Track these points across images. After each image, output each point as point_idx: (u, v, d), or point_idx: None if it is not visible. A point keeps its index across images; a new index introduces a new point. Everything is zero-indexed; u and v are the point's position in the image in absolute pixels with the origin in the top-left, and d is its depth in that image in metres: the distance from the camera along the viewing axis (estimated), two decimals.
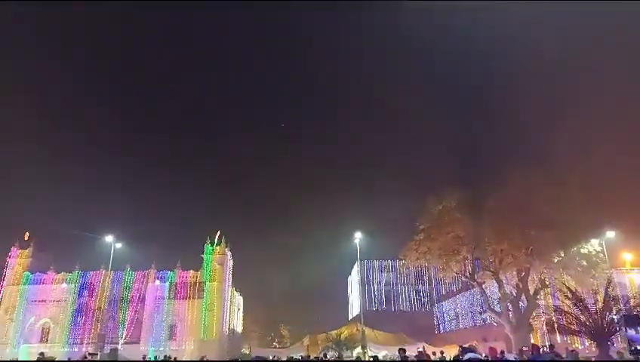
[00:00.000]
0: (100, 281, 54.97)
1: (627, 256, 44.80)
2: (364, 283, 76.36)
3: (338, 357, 35.97)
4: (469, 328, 58.40)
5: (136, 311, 53.90)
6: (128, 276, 55.30)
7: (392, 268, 79.29)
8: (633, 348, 15.55)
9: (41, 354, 29.15)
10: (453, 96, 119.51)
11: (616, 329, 19.58)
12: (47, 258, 56.47)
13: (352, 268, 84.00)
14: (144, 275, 55.46)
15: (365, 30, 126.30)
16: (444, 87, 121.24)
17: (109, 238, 47.85)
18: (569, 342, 36.32)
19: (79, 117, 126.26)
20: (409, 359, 15.37)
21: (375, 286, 78.77)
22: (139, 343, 51.86)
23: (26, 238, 56.34)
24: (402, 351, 15.07)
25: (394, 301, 78.22)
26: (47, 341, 52.85)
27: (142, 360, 30.34)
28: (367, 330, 47.69)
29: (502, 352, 22.77)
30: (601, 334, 18.95)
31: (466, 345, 28.61)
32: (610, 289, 20.84)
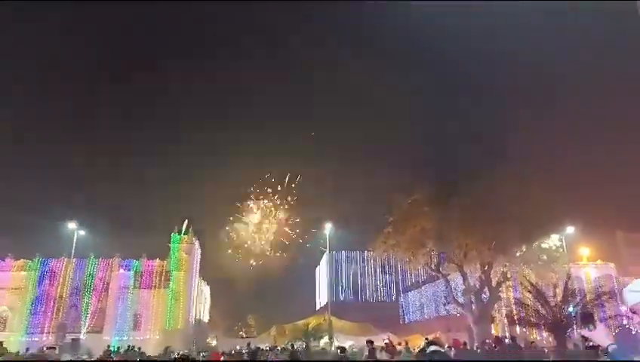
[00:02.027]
0: (61, 269, 53.41)
1: (584, 251, 46.75)
2: (333, 273, 77.05)
3: (305, 347, 36.22)
4: (433, 318, 59.84)
5: (99, 300, 52.71)
6: (92, 264, 53.90)
7: (359, 259, 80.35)
8: (589, 344, 16.11)
9: (0, 343, 28.27)
10: (427, 92, 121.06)
11: (573, 322, 20.46)
12: (5, 244, 54.49)
13: (321, 258, 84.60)
14: (108, 263, 54.17)
15: (346, 22, 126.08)
16: (418, 81, 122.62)
17: (72, 225, 46.46)
18: (527, 333, 37.76)
19: (40, 98, 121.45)
20: (376, 349, 15.65)
21: (343, 276, 79.66)
22: (102, 333, 50.83)
23: None
24: (370, 342, 15.33)
25: (361, 291, 79.37)
26: (4, 329, 51.15)
27: (106, 351, 29.68)
28: (335, 320, 48.19)
29: (464, 343, 23.52)
30: (559, 327, 19.75)
31: (431, 336, 29.35)
32: (569, 283, 21.71)
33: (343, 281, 79.45)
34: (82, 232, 47.51)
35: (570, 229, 39.03)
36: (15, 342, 45.86)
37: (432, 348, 12.77)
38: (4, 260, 53.73)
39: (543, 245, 33.39)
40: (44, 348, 30.60)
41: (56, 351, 30.03)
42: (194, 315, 57.62)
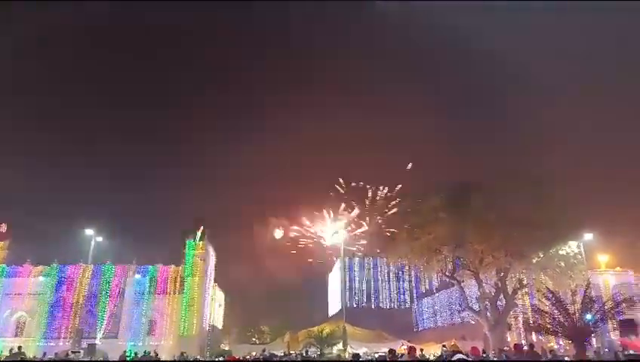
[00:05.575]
0: (78, 275, 53.99)
1: (602, 258, 46.02)
2: (345, 280, 76.74)
3: (320, 354, 36.18)
4: (447, 326, 59.23)
5: (115, 306, 53.16)
6: (108, 270, 54.43)
7: (372, 266, 79.93)
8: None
9: (19, 347, 28.66)
10: (442, 99, 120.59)
11: (592, 329, 20.18)
12: (24, 251, 55.33)
13: (333, 264, 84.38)
14: (124, 269, 54.67)
15: (364, 28, 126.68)
16: (434, 88, 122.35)
17: (89, 232, 47.04)
18: (544, 341, 37.27)
19: (59, 107, 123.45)
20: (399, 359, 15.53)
21: (355, 283, 79.29)
22: (117, 338, 51.24)
23: (2, 230, 55.12)
24: (392, 352, 15.23)
25: (374, 298, 78.85)
26: (22, 334, 51.81)
27: (122, 355, 29.95)
28: (348, 327, 48.04)
29: (482, 352, 23.28)
30: (578, 334, 19.49)
31: (447, 343, 29.03)
32: (589, 290, 21.43)
33: (356, 288, 79.06)
34: (100, 239, 47.99)
35: (588, 236, 38.51)
36: (33, 346, 46.44)
37: (458, 356, 12.66)
38: (22, 266, 54.53)
39: (561, 252, 33.02)
40: (70, 352, 31.04)
41: (81, 356, 30.46)
42: (208, 321, 57.82)
